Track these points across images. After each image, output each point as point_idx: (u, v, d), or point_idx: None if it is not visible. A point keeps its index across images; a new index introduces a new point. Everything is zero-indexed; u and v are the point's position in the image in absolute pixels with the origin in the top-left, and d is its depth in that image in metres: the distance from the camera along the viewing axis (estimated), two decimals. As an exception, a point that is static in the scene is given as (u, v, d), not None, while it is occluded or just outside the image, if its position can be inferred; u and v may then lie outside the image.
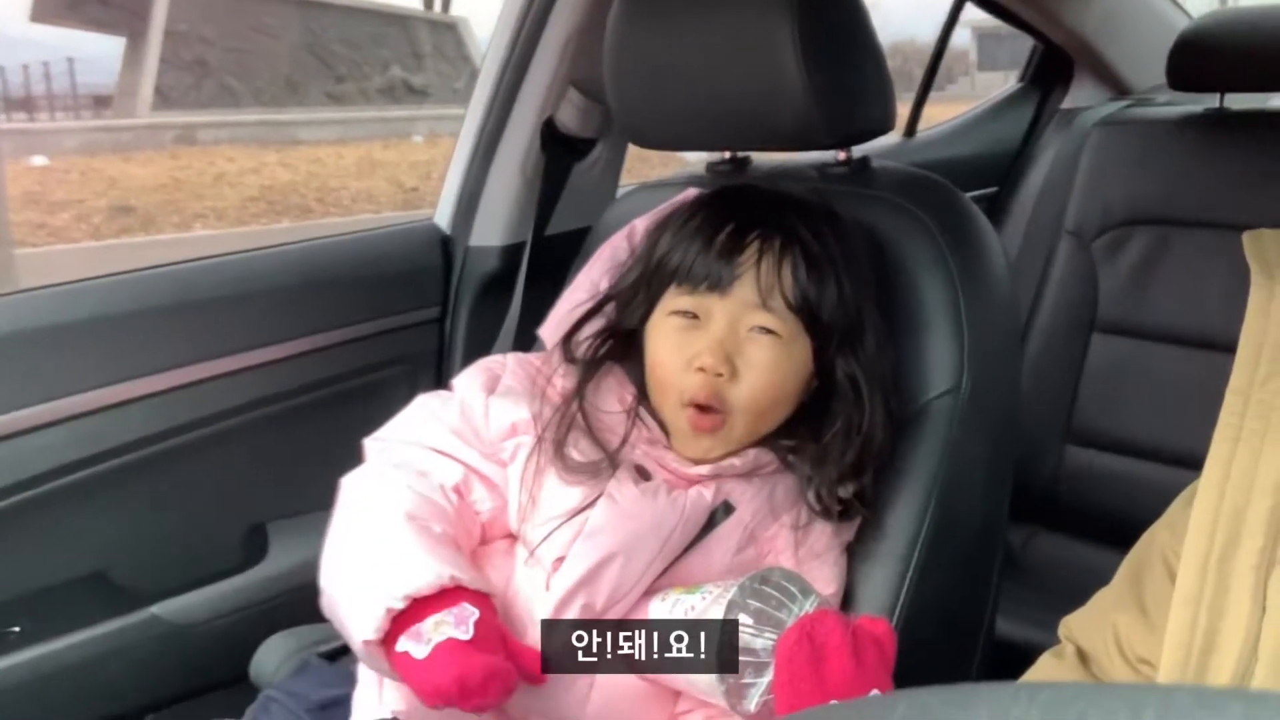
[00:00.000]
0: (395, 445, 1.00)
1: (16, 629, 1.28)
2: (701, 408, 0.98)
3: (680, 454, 1.00)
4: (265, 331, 1.44)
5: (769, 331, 0.98)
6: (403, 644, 0.84)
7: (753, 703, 0.86)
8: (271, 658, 1.18)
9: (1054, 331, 1.89)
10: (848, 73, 1.12)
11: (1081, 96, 2.27)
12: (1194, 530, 0.71)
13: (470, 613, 0.84)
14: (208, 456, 1.41)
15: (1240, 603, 0.66)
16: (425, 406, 1.03)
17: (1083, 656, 0.82)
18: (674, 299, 1.01)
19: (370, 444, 1.02)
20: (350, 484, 0.98)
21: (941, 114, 2.45)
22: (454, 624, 0.83)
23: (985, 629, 1.13)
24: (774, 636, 0.86)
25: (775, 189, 1.06)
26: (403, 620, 0.84)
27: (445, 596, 0.85)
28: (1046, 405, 1.85)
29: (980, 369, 1.06)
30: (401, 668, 0.84)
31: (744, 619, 0.87)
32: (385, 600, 0.84)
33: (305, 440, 1.48)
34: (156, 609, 1.36)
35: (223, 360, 1.40)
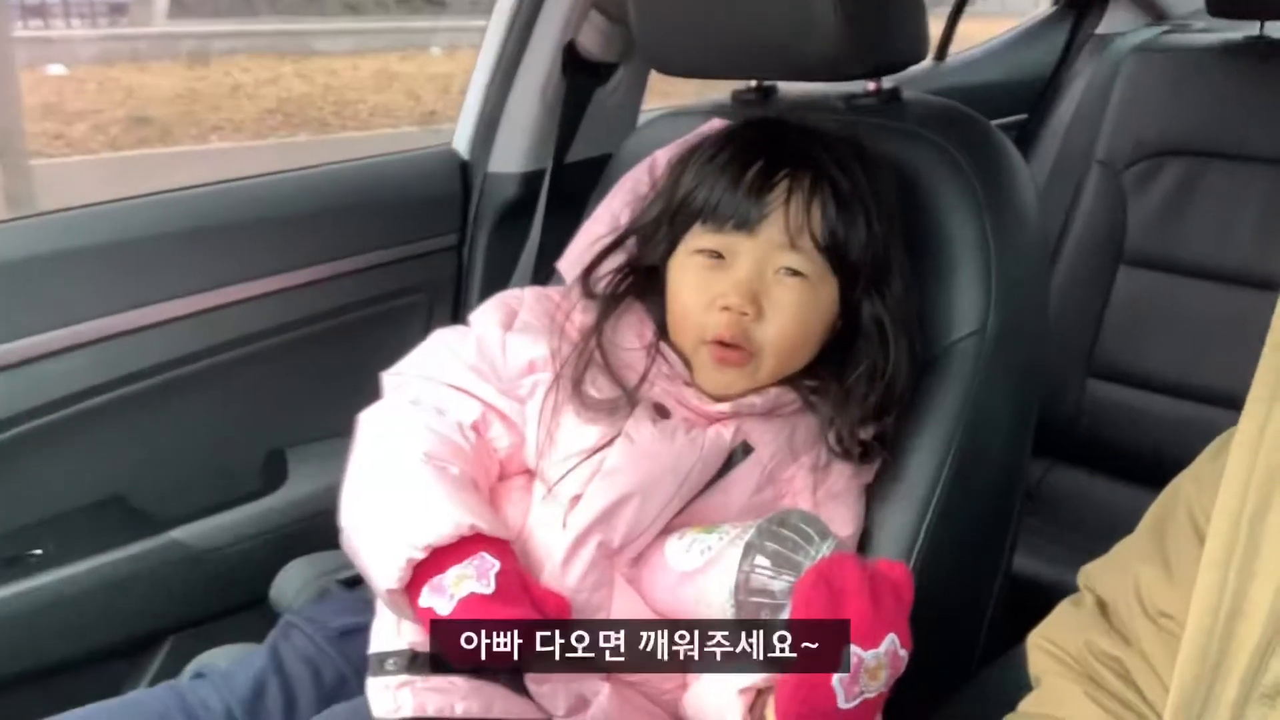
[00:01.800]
0: (413, 381, 0.99)
1: (38, 551, 1.30)
2: (725, 344, 0.96)
3: (701, 390, 0.99)
4: (283, 257, 1.43)
5: (796, 273, 0.97)
6: (425, 598, 0.84)
7: (768, 645, 0.86)
8: (292, 583, 1.19)
9: (1080, 263, 1.86)
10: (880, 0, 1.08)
11: (1117, 21, 2.21)
12: (1226, 489, 0.69)
13: (491, 564, 0.84)
14: (226, 382, 1.41)
15: (1270, 566, 0.65)
16: (443, 341, 1.02)
17: (1102, 606, 0.81)
18: (699, 237, 0.99)
19: (388, 379, 1.01)
20: (368, 421, 0.97)
21: (972, 31, 2.38)
22: (475, 577, 0.84)
23: (1003, 571, 1.12)
24: (791, 579, 0.86)
25: (803, 123, 1.04)
26: (424, 569, 0.85)
27: (465, 545, 0.85)
28: (1069, 338, 1.83)
29: (1007, 311, 1.04)
30: (426, 623, 0.84)
31: (761, 561, 0.87)
32: (406, 551, 0.84)
33: (323, 366, 1.48)
34: (177, 533, 1.36)
35: (241, 286, 1.39)
